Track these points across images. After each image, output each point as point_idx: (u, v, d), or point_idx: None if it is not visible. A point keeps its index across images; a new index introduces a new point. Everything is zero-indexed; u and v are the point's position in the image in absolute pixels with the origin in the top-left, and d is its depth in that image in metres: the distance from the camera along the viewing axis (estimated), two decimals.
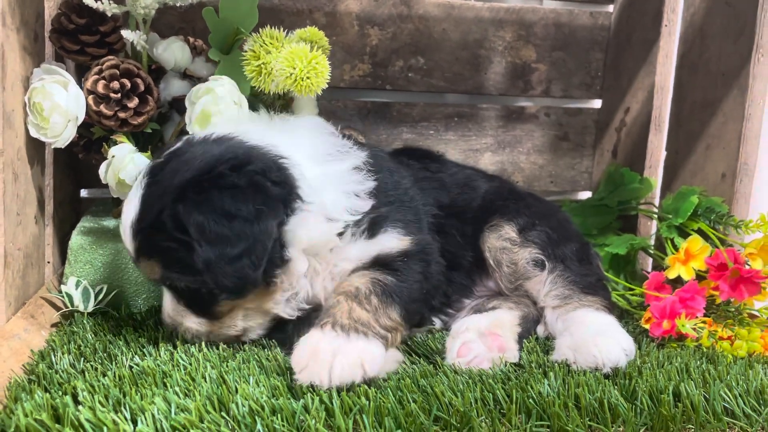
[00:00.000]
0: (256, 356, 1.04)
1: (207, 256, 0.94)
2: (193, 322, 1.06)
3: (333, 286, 1.07)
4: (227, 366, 0.99)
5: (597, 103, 1.88)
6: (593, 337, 1.05)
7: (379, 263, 1.07)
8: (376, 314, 0.98)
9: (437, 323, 1.23)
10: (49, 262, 1.30)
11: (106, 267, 1.28)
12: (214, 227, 0.94)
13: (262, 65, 1.15)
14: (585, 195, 1.92)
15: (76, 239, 1.28)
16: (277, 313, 1.08)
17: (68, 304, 1.21)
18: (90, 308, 1.21)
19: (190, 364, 0.98)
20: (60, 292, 1.22)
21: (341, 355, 0.90)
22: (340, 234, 1.05)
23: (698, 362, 1.08)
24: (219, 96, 1.15)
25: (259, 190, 0.97)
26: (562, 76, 1.84)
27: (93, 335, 1.11)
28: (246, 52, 1.19)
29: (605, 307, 1.17)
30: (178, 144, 1.05)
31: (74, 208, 1.50)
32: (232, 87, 1.18)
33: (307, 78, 1.07)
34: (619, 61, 1.79)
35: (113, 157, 1.18)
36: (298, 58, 1.07)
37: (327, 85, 1.12)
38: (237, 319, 1.07)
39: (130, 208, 1.00)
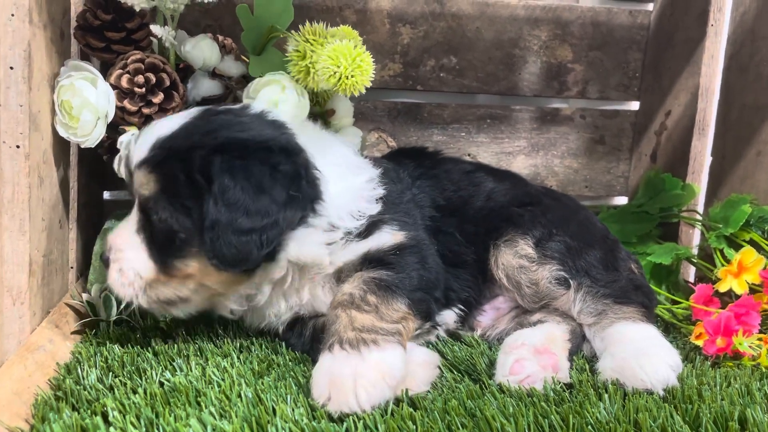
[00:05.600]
0: (291, 372, 0.99)
1: (217, 216, 0.93)
2: (139, 260, 1.00)
3: (319, 292, 1.06)
4: (263, 383, 0.94)
5: (634, 105, 1.80)
6: (637, 358, 0.99)
7: (370, 260, 1.03)
8: (378, 311, 0.93)
9: (452, 316, 1.18)
10: (72, 268, 1.26)
11: None
12: (238, 193, 0.93)
13: (310, 64, 1.08)
14: (620, 200, 1.85)
15: (100, 244, 1.24)
16: (223, 301, 1.06)
17: (90, 314, 1.16)
18: (113, 317, 1.16)
19: (224, 380, 0.93)
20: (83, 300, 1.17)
21: (361, 378, 0.85)
22: (330, 243, 1.02)
23: (759, 383, 1.02)
24: (286, 86, 1.13)
25: (298, 181, 0.98)
26: (599, 77, 1.77)
27: (120, 347, 1.07)
28: (290, 51, 1.12)
29: (643, 316, 1.10)
30: (238, 105, 1.06)
31: (98, 211, 1.45)
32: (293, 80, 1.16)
33: (352, 76, 1.01)
34: (659, 61, 1.72)
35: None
36: (342, 55, 1.01)
37: (370, 84, 1.07)
38: (186, 286, 1.01)
39: (164, 125, 1.00)
